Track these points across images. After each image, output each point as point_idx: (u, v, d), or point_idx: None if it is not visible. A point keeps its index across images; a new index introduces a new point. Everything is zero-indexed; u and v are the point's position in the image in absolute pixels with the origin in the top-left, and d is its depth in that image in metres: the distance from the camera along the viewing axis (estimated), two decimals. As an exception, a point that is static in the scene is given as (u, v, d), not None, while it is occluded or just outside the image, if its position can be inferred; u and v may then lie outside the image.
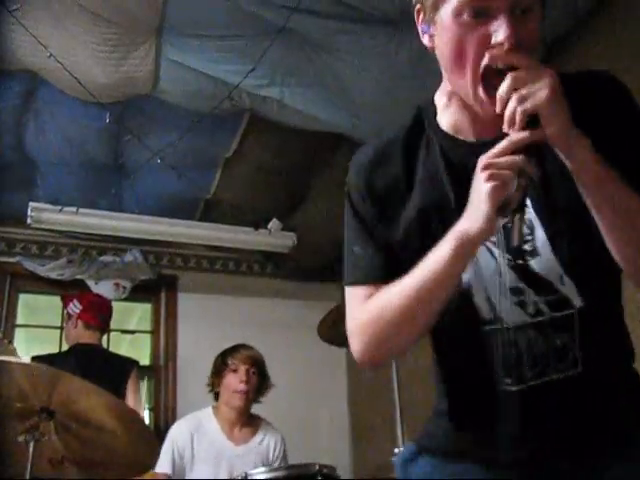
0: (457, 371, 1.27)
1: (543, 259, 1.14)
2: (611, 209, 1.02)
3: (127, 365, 3.72)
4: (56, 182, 4.16)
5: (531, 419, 1.16)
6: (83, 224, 4.30)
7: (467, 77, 1.12)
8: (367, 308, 1.20)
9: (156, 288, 4.92)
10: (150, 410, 4.61)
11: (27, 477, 1.93)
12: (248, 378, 3.17)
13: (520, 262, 1.16)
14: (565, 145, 1.00)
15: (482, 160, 1.01)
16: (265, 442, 3.21)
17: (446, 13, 1.11)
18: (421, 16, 1.21)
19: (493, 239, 1.15)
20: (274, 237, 4.70)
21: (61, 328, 4.48)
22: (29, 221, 4.16)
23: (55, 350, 4.21)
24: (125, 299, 4.70)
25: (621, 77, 1.18)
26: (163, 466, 3.00)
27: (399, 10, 3.09)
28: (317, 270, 5.22)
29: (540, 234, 1.14)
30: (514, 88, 0.99)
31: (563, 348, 1.13)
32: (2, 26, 3.00)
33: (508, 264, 1.17)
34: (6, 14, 2.89)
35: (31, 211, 4.12)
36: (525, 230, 1.06)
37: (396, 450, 2.53)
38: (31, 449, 1.92)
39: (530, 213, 1.12)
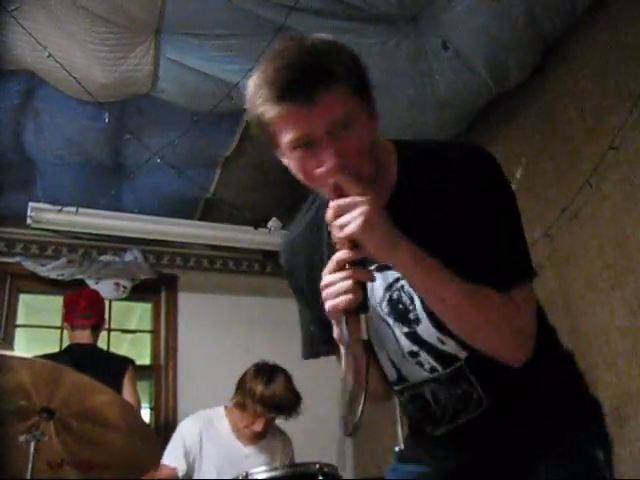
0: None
1: (424, 326, 1.28)
2: (437, 305, 1.19)
3: (122, 364, 3.69)
4: (55, 182, 4.16)
5: (455, 457, 1.36)
6: (83, 224, 4.29)
7: (325, 190, 1.21)
8: None
9: (156, 287, 4.91)
10: (151, 409, 4.61)
11: (28, 477, 1.92)
12: (268, 424, 3.09)
13: (409, 330, 1.31)
14: (384, 259, 1.17)
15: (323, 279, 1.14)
16: (273, 444, 3.20)
17: (285, 149, 1.21)
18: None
19: (386, 310, 1.31)
20: (274, 236, 4.69)
21: (61, 328, 4.49)
22: (29, 221, 4.16)
23: (56, 350, 4.21)
24: (125, 299, 4.70)
25: (616, 77, 1.20)
26: (175, 461, 2.98)
27: (397, 9, 3.10)
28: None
29: (417, 303, 1.27)
30: (335, 216, 1.12)
31: (464, 394, 1.30)
32: (1, 26, 3.00)
33: (401, 332, 1.32)
34: (5, 14, 2.89)
35: (31, 211, 4.12)
36: (406, 300, 1.29)
37: (396, 449, 2.53)
38: (32, 449, 1.92)
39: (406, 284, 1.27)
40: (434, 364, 1.32)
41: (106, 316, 3.91)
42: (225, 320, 4.88)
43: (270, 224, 4.66)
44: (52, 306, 4.61)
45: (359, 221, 1.10)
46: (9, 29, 3.01)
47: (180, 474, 2.97)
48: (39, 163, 4.06)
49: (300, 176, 1.24)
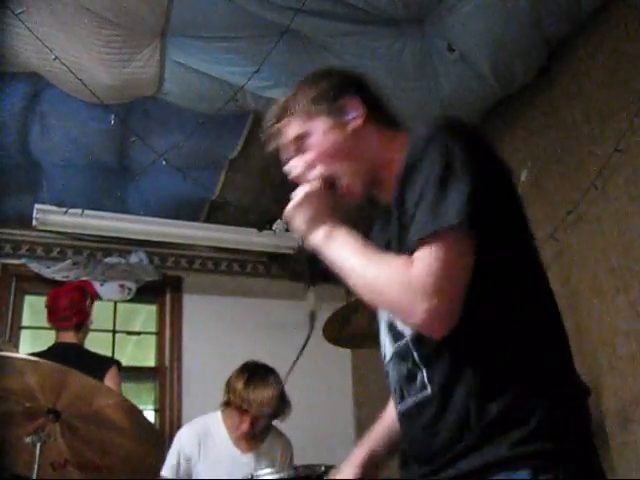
0: None
1: None
2: (343, 274, 1.28)
3: (104, 363, 3.62)
4: (61, 184, 4.17)
5: (409, 438, 1.31)
6: (88, 226, 4.30)
7: None
8: None
9: (161, 289, 4.92)
10: (155, 411, 4.62)
11: (33, 477, 1.92)
12: (255, 423, 3.05)
13: None
14: (305, 238, 1.40)
15: None
16: (272, 449, 3.18)
17: None
18: None
19: None
20: (279, 238, 4.70)
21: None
22: (34, 223, 4.17)
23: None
24: (130, 300, 4.71)
25: (622, 79, 1.18)
26: (166, 471, 2.98)
27: (403, 11, 3.10)
28: (322, 271, 5.22)
29: None
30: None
31: (409, 373, 1.26)
32: (8, 29, 3.02)
33: None
34: (12, 17, 2.90)
35: (36, 213, 4.13)
36: None
37: (401, 451, 2.52)
38: (38, 451, 1.92)
39: None
40: (392, 340, 1.34)
41: (91, 310, 3.78)
42: (230, 322, 4.88)
43: (275, 226, 4.66)
44: (57, 308, 4.62)
45: (290, 205, 1.43)
46: (16, 31, 3.02)
47: None
48: (45, 165, 4.07)
49: None
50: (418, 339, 1.23)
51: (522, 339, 1.18)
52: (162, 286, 4.90)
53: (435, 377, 1.21)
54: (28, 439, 1.94)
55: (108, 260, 4.68)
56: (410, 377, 1.26)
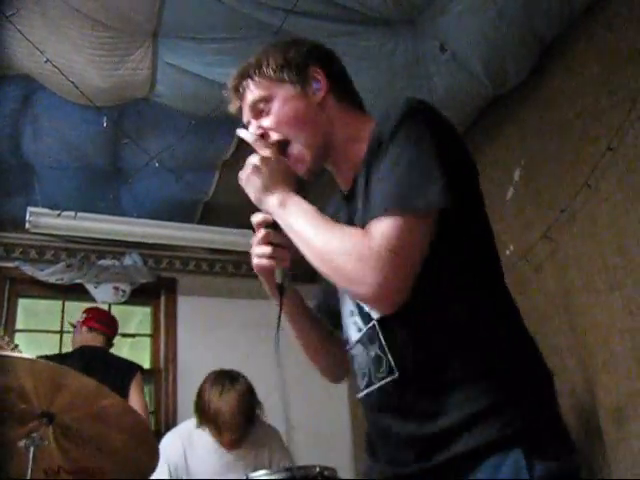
0: None
1: None
2: (297, 243, 1.28)
3: (131, 368, 3.70)
4: (54, 186, 4.16)
5: (375, 422, 1.32)
6: (82, 228, 4.30)
7: None
8: None
9: (155, 291, 4.91)
10: (151, 413, 4.60)
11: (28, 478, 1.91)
12: (239, 436, 3.07)
13: None
14: (259, 206, 1.41)
15: None
16: (258, 444, 3.15)
17: None
18: None
19: None
20: (273, 239, 4.69)
21: (61, 332, 4.50)
22: (28, 226, 4.16)
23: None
24: (124, 303, 4.70)
25: (614, 78, 1.18)
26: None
27: (394, 12, 3.10)
28: (316, 272, 5.21)
29: None
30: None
31: (377, 357, 1.25)
32: (-1, 31, 3.01)
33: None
34: (3, 19, 2.89)
35: (29, 216, 4.12)
36: None
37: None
38: (31, 454, 1.90)
39: None
40: (360, 323, 1.32)
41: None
42: (225, 323, 4.87)
43: (269, 227, 4.65)
44: (51, 310, 4.61)
45: (242, 176, 1.43)
46: (7, 34, 3.01)
47: None
48: (37, 167, 4.06)
49: None
50: (388, 322, 1.23)
51: (487, 321, 1.20)
52: (156, 288, 4.89)
53: (402, 360, 1.21)
54: (21, 443, 1.93)
55: (102, 262, 4.67)
56: (377, 361, 1.26)
